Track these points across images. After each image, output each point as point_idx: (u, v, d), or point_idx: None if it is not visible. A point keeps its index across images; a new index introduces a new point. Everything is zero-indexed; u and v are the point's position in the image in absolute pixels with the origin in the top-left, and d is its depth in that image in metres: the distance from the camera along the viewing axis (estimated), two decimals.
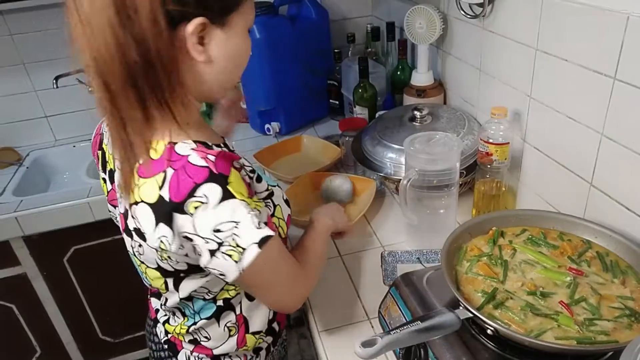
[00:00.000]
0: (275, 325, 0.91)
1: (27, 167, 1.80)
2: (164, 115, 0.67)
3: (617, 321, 0.69)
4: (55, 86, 1.76)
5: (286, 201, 0.84)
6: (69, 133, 1.96)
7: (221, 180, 0.64)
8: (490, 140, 1.07)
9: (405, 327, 0.66)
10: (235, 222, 0.65)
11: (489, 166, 1.09)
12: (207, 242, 0.65)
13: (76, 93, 1.87)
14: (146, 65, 0.62)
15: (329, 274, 1.07)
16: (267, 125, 1.75)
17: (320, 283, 1.01)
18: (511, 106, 1.12)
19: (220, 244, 0.65)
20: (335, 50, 1.76)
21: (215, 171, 0.65)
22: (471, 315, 0.69)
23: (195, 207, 0.64)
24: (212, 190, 0.64)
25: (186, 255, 0.69)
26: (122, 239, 0.77)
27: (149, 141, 0.68)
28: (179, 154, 0.67)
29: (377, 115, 1.51)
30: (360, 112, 1.58)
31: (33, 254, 1.59)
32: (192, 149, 0.67)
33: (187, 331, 0.85)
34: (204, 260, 0.68)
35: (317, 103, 1.83)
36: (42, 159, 1.88)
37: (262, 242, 0.66)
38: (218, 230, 0.64)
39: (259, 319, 0.86)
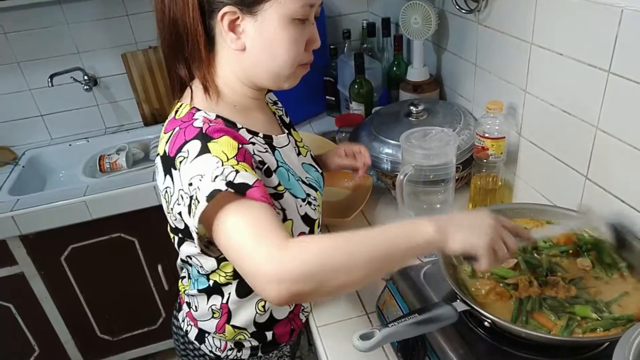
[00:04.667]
0: (269, 333, 0.90)
1: (23, 166, 1.79)
2: (200, 86, 0.77)
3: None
4: (50, 84, 1.75)
5: (304, 217, 0.81)
6: (64, 131, 1.95)
7: (205, 138, 0.68)
8: (486, 135, 1.07)
9: (403, 320, 0.66)
10: (201, 175, 0.65)
11: (485, 161, 1.10)
12: (184, 198, 0.67)
13: (71, 91, 1.86)
14: (179, 40, 0.73)
15: None
16: None
17: None
18: (507, 100, 1.12)
19: (190, 198, 0.65)
20: (331, 47, 1.76)
21: (204, 131, 0.69)
22: (468, 307, 0.69)
23: (180, 162, 0.68)
24: (193, 146, 0.67)
25: (180, 213, 0.70)
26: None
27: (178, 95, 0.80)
28: (192, 118, 0.73)
29: (373, 111, 1.51)
30: (357, 108, 1.58)
31: (30, 253, 1.58)
32: (204, 116, 0.73)
33: (186, 293, 0.90)
34: (186, 218, 0.68)
35: (313, 99, 1.83)
36: (38, 158, 1.87)
37: (211, 196, 0.62)
38: (190, 184, 0.66)
39: (242, 317, 0.86)
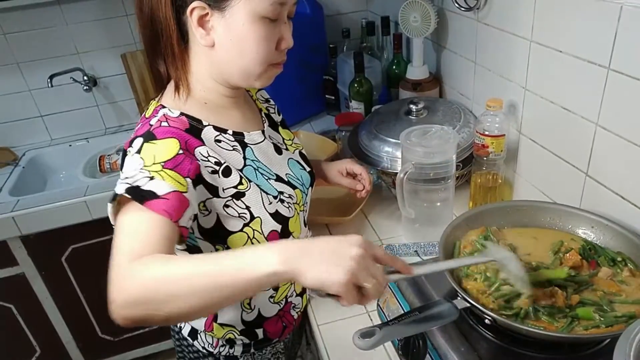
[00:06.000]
0: (259, 331, 0.90)
1: (23, 167, 1.79)
2: (173, 84, 0.78)
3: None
4: (49, 85, 1.75)
5: (275, 214, 0.79)
6: (64, 132, 1.95)
7: (147, 138, 0.69)
8: (486, 133, 1.07)
9: (403, 318, 0.66)
10: (124, 174, 0.67)
11: (485, 158, 1.10)
12: None
13: (71, 92, 1.86)
14: (156, 36, 0.75)
15: None
16: None
17: None
18: (506, 98, 1.12)
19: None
20: (330, 46, 1.76)
21: (151, 130, 0.71)
22: (469, 305, 0.69)
23: (127, 156, 0.70)
24: (136, 143, 0.70)
25: None
26: None
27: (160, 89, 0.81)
28: (154, 115, 0.75)
29: (373, 109, 1.51)
30: (356, 106, 1.58)
31: (31, 253, 1.59)
32: (165, 114, 0.74)
33: None
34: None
35: (313, 98, 1.83)
36: (38, 159, 1.87)
37: (113, 198, 0.64)
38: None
39: (228, 314, 0.86)
